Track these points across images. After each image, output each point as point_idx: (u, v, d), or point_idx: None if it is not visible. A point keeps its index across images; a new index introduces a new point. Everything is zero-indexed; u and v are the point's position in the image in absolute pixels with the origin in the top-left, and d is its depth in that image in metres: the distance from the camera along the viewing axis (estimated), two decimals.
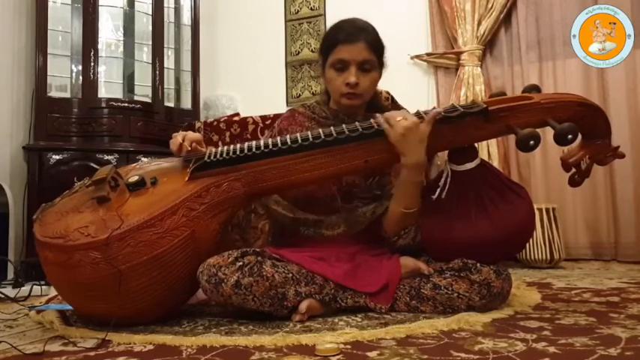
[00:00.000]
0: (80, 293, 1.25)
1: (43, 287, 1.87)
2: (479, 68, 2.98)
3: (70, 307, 1.40)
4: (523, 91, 1.40)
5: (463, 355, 0.93)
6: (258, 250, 1.33)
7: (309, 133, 1.35)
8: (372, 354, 0.96)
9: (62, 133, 2.68)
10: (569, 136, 1.22)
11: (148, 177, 1.35)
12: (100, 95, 2.77)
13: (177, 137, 1.41)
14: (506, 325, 1.16)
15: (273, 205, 1.54)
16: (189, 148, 1.39)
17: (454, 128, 1.32)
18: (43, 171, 2.60)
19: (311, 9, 3.50)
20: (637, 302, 1.43)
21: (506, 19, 3.00)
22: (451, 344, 1.02)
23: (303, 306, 1.27)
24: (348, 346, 1.02)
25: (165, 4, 3.06)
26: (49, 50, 2.71)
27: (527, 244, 2.44)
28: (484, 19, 2.98)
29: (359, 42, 1.46)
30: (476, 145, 1.40)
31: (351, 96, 1.49)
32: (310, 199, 1.52)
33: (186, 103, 3.20)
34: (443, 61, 3.11)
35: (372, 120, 1.34)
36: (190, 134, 1.43)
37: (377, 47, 1.50)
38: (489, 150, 2.91)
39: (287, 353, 0.99)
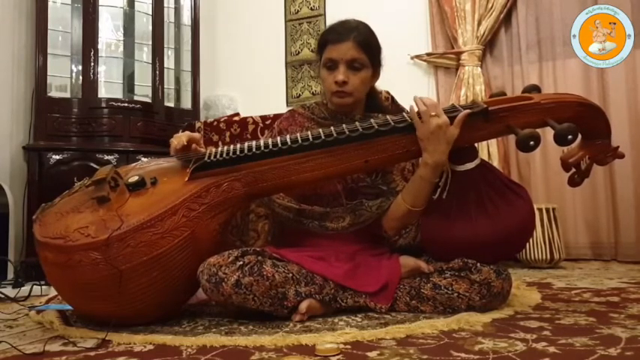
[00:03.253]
0: (80, 293, 1.25)
1: (43, 287, 1.87)
2: (479, 68, 2.98)
3: (70, 307, 1.40)
4: (523, 91, 1.40)
5: (463, 355, 0.93)
6: (258, 249, 1.33)
7: (309, 133, 1.35)
8: (372, 354, 0.96)
9: (62, 133, 2.68)
10: (569, 137, 1.22)
11: (147, 177, 1.35)
12: (100, 95, 2.77)
13: (174, 141, 1.41)
14: (506, 325, 1.16)
15: (278, 199, 1.54)
16: (185, 142, 1.38)
17: None
18: (43, 171, 2.60)
19: (311, 9, 3.50)
20: (637, 302, 1.43)
21: (506, 19, 3.00)
22: (451, 344, 1.02)
23: (303, 306, 1.27)
24: (348, 346, 1.02)
25: (165, 4, 3.06)
26: (49, 50, 2.71)
27: (527, 244, 2.44)
28: (484, 19, 2.98)
29: (347, 41, 1.47)
30: (476, 145, 1.40)
31: (341, 94, 1.50)
32: (314, 197, 1.53)
33: (186, 103, 3.20)
34: (443, 61, 3.11)
35: (398, 115, 1.35)
36: (188, 133, 1.44)
37: (367, 46, 1.50)
38: (489, 150, 2.91)
39: (287, 353, 0.99)
